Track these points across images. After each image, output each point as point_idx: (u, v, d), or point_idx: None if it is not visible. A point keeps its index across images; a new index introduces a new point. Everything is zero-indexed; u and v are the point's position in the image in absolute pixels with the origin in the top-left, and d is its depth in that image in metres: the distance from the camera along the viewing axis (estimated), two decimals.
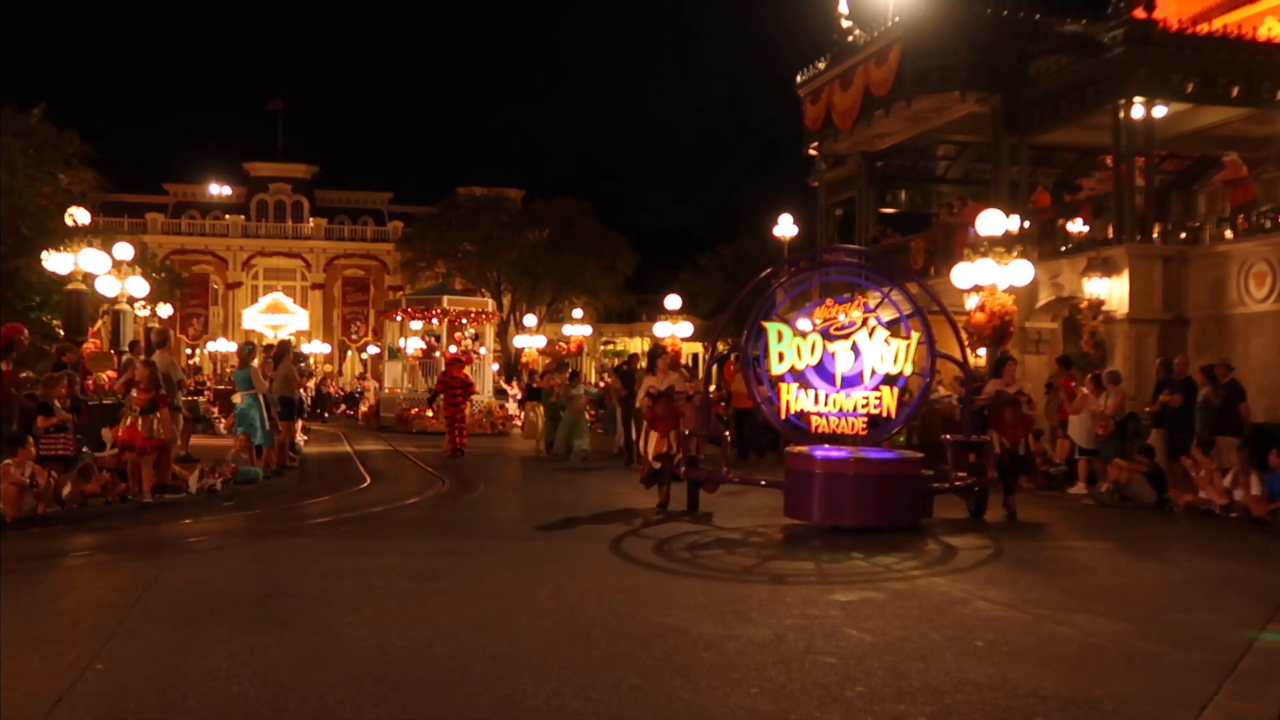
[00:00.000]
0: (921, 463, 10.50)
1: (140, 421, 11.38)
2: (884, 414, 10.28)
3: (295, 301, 59.98)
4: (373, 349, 54.17)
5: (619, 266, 50.06)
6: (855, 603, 6.84)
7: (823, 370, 10.47)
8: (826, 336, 10.47)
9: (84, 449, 11.52)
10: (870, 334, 10.32)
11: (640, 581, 7.55)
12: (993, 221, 15.87)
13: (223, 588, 7.13)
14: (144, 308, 24.34)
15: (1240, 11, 20.40)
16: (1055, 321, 19.62)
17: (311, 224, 60.97)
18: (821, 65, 23.28)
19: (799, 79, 24.06)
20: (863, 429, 10.32)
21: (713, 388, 14.62)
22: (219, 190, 60.71)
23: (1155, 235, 17.64)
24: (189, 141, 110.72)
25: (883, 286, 10.90)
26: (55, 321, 21.77)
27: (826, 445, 10.31)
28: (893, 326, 10.48)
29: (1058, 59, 19.10)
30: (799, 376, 10.53)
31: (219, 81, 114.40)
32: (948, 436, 11.26)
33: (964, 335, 12.54)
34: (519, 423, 25.81)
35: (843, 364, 10.40)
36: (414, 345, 29.92)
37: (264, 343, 29.29)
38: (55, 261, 16.12)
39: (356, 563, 8.07)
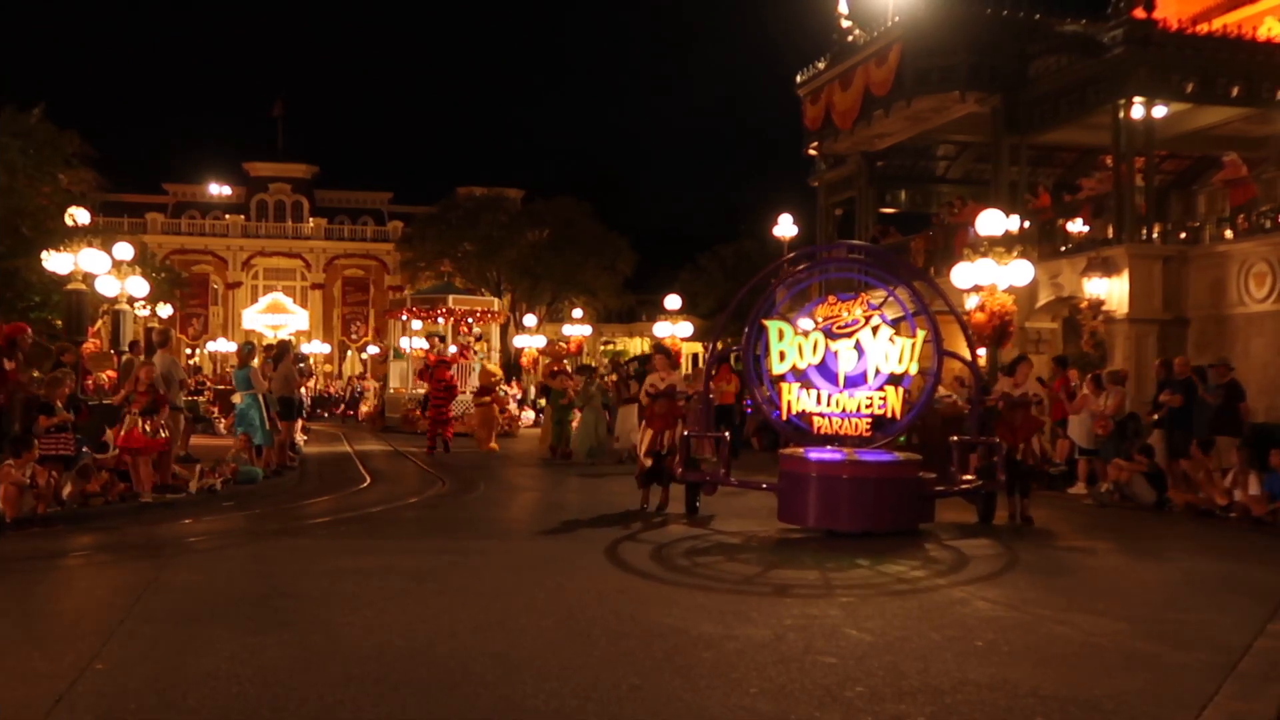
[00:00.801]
0: (920, 465, 10.23)
1: (141, 424, 11.37)
2: (889, 414, 10.02)
3: (295, 301, 59.99)
4: (373, 349, 54.20)
5: (619, 266, 50.05)
6: (855, 603, 6.84)
7: (825, 370, 10.19)
8: (829, 335, 10.18)
9: (84, 449, 11.51)
10: (874, 332, 10.06)
11: (640, 581, 7.54)
12: (993, 221, 15.85)
13: (222, 588, 7.13)
14: (144, 308, 24.36)
15: (1240, 11, 20.39)
16: (1055, 321, 19.61)
17: (311, 224, 60.98)
18: (821, 65, 23.26)
19: (799, 79, 24.05)
20: (867, 430, 10.07)
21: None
22: (219, 190, 60.69)
23: (1155, 235, 17.63)
24: (189, 141, 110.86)
25: (888, 284, 10.77)
26: (56, 321, 21.78)
27: (824, 447, 10.08)
28: (896, 324, 10.24)
29: (1058, 59, 19.09)
30: (801, 376, 10.26)
31: (219, 81, 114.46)
32: (955, 438, 10.96)
33: (971, 334, 12.35)
34: (521, 422, 25.79)
35: (846, 363, 10.12)
36: (416, 345, 29.83)
37: (264, 343, 29.31)
38: (55, 261, 16.10)
39: (356, 563, 8.07)
